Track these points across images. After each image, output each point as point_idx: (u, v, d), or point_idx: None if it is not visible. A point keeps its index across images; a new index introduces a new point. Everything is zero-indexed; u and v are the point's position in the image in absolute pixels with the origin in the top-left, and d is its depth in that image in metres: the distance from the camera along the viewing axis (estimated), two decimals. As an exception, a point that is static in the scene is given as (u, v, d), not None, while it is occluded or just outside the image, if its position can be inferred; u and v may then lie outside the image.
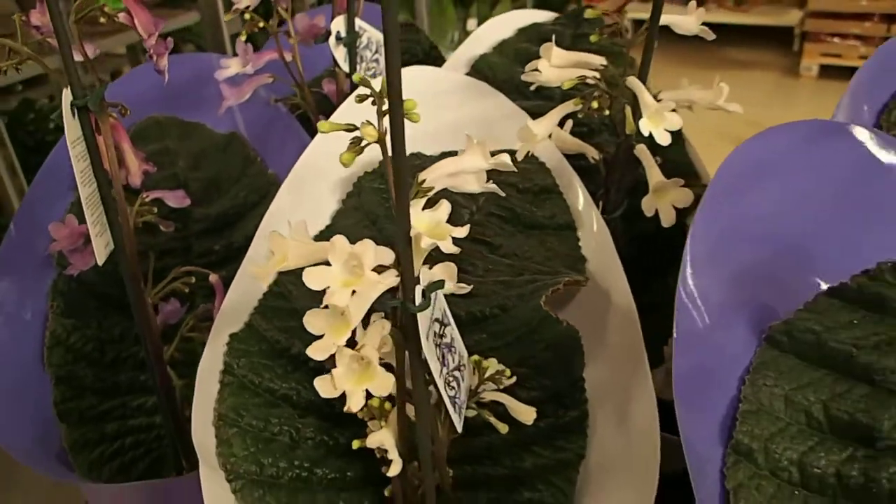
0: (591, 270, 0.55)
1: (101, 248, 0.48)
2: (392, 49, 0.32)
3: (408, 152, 0.59)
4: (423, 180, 0.37)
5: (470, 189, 0.40)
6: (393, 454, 0.45)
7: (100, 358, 0.61)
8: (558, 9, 0.90)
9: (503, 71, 0.72)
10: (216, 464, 0.45)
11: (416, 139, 0.60)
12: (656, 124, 0.48)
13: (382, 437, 0.45)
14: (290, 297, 0.53)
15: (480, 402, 0.46)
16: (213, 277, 0.55)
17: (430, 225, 0.38)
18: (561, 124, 0.60)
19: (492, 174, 0.60)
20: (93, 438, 0.58)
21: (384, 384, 0.35)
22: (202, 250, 0.66)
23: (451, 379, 0.43)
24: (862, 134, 0.44)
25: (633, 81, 0.49)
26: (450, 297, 0.52)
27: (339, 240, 0.34)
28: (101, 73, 0.47)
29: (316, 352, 0.35)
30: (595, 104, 0.49)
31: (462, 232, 0.38)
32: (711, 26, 0.53)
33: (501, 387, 0.48)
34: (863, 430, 0.39)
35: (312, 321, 0.36)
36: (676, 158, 0.63)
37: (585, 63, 0.53)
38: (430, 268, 0.45)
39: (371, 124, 0.35)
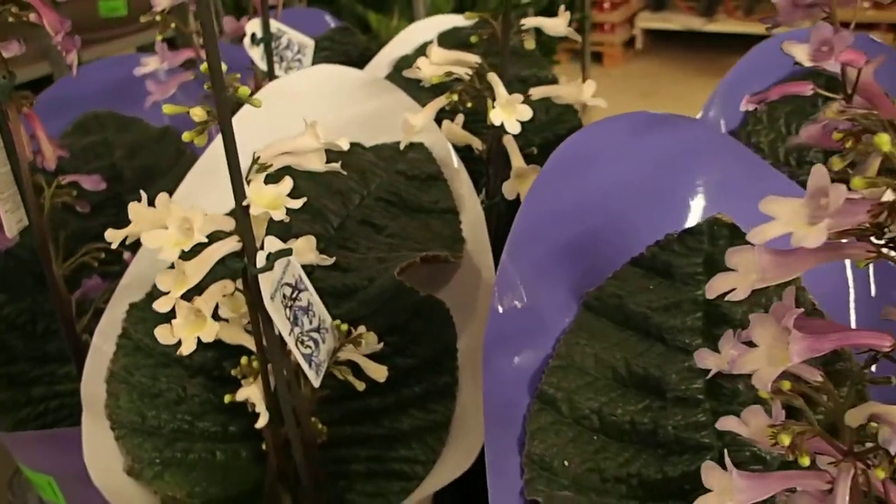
0: (469, 250, 0.60)
1: (13, 223, 0.54)
2: (210, 39, 0.37)
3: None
4: (258, 157, 0.43)
5: (312, 167, 0.45)
6: (260, 407, 0.51)
7: (32, 329, 0.66)
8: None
9: (421, 71, 0.78)
10: (103, 414, 0.50)
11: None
12: (508, 114, 0.53)
13: (249, 392, 0.50)
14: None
15: (338, 361, 0.51)
16: (126, 255, 0.61)
17: (271, 198, 0.43)
18: (453, 118, 0.65)
19: (387, 163, 0.65)
20: (21, 400, 0.64)
21: (210, 332, 0.40)
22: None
23: (305, 339, 0.48)
24: (683, 124, 0.49)
25: (491, 76, 0.54)
26: (328, 271, 0.58)
27: (175, 206, 0.40)
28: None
29: (159, 305, 0.41)
30: (455, 97, 0.54)
31: (297, 203, 0.43)
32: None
33: (368, 351, 0.53)
34: (655, 382, 0.43)
35: (162, 279, 0.42)
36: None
37: (462, 61, 0.58)
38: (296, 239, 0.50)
39: (202, 108, 0.40)
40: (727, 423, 0.31)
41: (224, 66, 0.62)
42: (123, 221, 0.72)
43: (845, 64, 0.43)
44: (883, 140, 0.21)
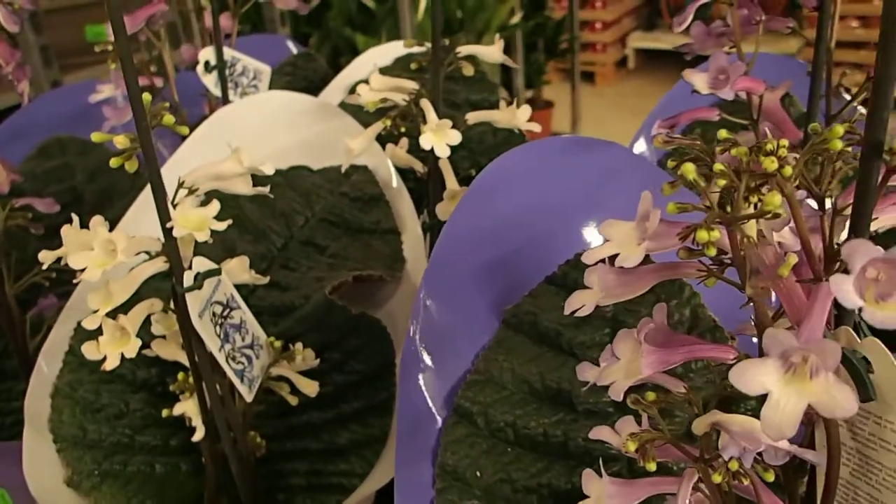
0: (409, 269, 0.62)
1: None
2: (129, 70, 0.39)
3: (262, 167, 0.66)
4: (184, 181, 0.45)
5: (238, 191, 0.47)
6: (196, 422, 0.52)
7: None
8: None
9: (376, 95, 0.80)
10: (45, 428, 0.52)
11: (269, 155, 0.68)
12: (438, 139, 0.55)
13: (186, 407, 0.52)
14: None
15: (271, 377, 0.53)
16: (79, 275, 0.63)
17: (197, 220, 0.45)
18: (396, 142, 0.68)
19: (332, 185, 0.67)
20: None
21: (132, 349, 0.42)
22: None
23: (238, 355, 0.50)
24: (601, 147, 0.51)
25: (423, 102, 0.56)
26: (268, 290, 0.59)
27: (101, 229, 0.42)
28: None
29: (87, 322, 0.43)
30: (389, 122, 0.56)
31: (222, 225, 0.45)
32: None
33: (305, 367, 0.55)
34: (567, 396, 0.45)
35: (93, 298, 0.44)
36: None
37: (401, 88, 0.61)
38: (231, 259, 0.52)
39: (125, 136, 0.43)
40: (601, 433, 0.33)
41: (175, 94, 0.65)
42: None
43: (743, 90, 0.45)
44: (688, 168, 0.23)
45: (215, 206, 0.46)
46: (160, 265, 0.45)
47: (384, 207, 0.63)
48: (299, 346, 0.55)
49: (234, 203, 0.63)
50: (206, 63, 0.70)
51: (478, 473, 0.44)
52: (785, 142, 0.23)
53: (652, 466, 0.28)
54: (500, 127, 0.63)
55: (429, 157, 0.62)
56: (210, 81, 0.70)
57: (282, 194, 0.64)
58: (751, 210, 0.23)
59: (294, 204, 0.64)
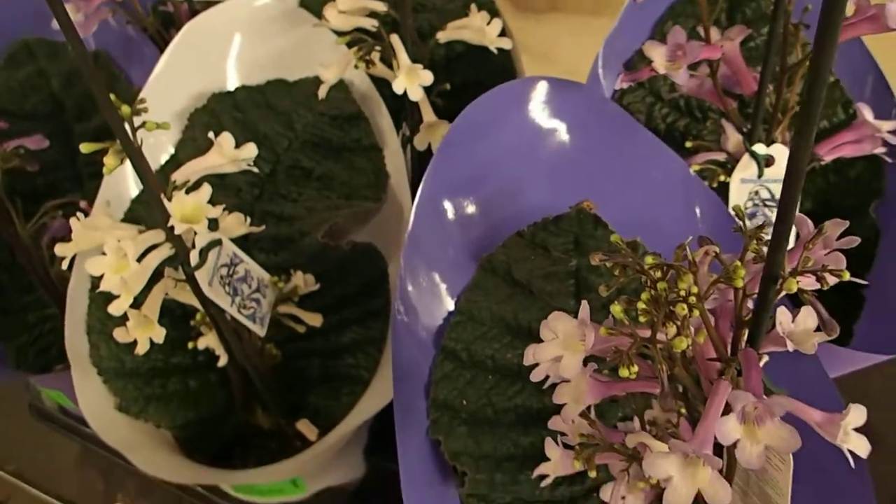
0: (391, 183, 0.66)
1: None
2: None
3: (233, 85, 0.69)
4: (175, 181, 0.48)
5: (227, 171, 0.50)
6: (219, 351, 0.60)
7: (12, 261, 0.74)
8: None
9: None
10: (88, 365, 0.60)
11: (241, 70, 0.69)
12: (410, 81, 0.56)
13: (208, 340, 0.60)
14: (145, 220, 0.66)
15: (278, 313, 0.60)
16: (83, 205, 0.67)
17: (192, 208, 0.48)
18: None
19: (309, 101, 0.69)
20: (18, 328, 0.73)
21: (159, 334, 0.49)
22: (87, 160, 0.77)
23: (248, 302, 0.57)
24: (570, 90, 0.53)
25: (393, 39, 0.57)
26: (265, 219, 0.64)
27: (112, 239, 0.46)
28: None
29: (113, 309, 0.49)
30: (361, 65, 0.57)
31: (216, 212, 0.49)
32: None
33: (307, 291, 0.62)
34: (536, 331, 0.52)
35: (108, 282, 0.49)
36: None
37: (368, 8, 0.60)
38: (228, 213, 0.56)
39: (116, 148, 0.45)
40: (555, 423, 0.40)
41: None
42: (75, 149, 0.77)
43: (704, 59, 0.47)
44: (616, 309, 0.28)
45: (207, 190, 0.49)
46: (167, 252, 0.49)
47: (364, 125, 0.66)
48: (299, 273, 0.61)
49: (217, 131, 0.65)
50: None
51: (464, 402, 0.53)
52: (695, 288, 0.28)
53: (593, 474, 0.36)
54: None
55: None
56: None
57: (263, 116, 0.66)
58: (664, 338, 0.29)
59: (276, 126, 0.66)
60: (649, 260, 0.29)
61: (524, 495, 0.48)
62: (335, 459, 0.70)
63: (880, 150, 0.53)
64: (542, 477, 0.40)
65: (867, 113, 0.52)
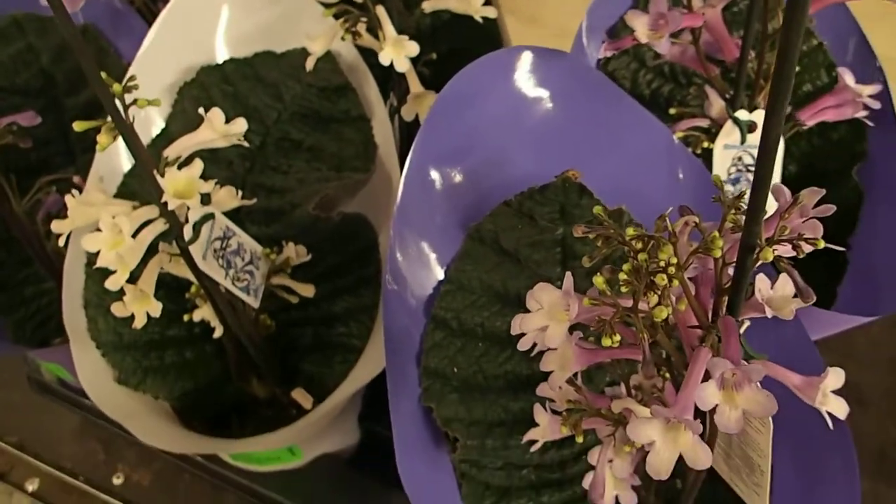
0: (381, 155, 0.67)
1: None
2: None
3: (222, 57, 0.69)
4: (167, 157, 0.48)
5: (218, 146, 0.51)
6: (215, 323, 0.61)
7: (8, 236, 0.75)
8: None
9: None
10: (86, 339, 0.61)
11: (229, 42, 0.69)
12: (397, 53, 0.56)
13: (203, 313, 0.61)
14: (138, 194, 0.66)
15: (271, 285, 0.61)
16: (76, 179, 0.67)
17: (185, 183, 0.49)
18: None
19: (297, 72, 0.69)
20: (16, 302, 0.74)
21: (156, 308, 0.50)
22: (79, 135, 0.77)
23: (241, 274, 0.57)
24: (556, 59, 0.54)
25: (379, 11, 0.57)
26: (256, 191, 0.65)
27: (107, 216, 0.47)
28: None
29: (110, 284, 0.49)
30: (348, 36, 0.57)
31: (208, 187, 0.49)
32: None
33: (299, 261, 0.63)
34: (524, 299, 0.54)
35: (105, 258, 0.50)
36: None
37: (355, -22, 0.60)
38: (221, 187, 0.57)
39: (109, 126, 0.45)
40: (543, 390, 0.42)
41: None
42: (66, 127, 0.78)
43: (687, 27, 0.47)
44: (598, 281, 0.29)
45: (198, 165, 0.50)
46: (161, 227, 0.50)
47: (352, 96, 0.66)
48: (291, 245, 0.62)
49: (207, 104, 0.65)
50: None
51: (455, 369, 0.54)
52: (674, 259, 0.29)
53: (580, 439, 0.38)
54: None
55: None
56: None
57: (252, 88, 0.66)
58: (645, 307, 0.30)
59: (265, 98, 0.66)
60: (630, 231, 0.30)
61: (514, 460, 0.49)
62: (330, 427, 0.71)
63: (862, 113, 0.53)
64: (532, 442, 0.41)
65: (848, 78, 0.52)
